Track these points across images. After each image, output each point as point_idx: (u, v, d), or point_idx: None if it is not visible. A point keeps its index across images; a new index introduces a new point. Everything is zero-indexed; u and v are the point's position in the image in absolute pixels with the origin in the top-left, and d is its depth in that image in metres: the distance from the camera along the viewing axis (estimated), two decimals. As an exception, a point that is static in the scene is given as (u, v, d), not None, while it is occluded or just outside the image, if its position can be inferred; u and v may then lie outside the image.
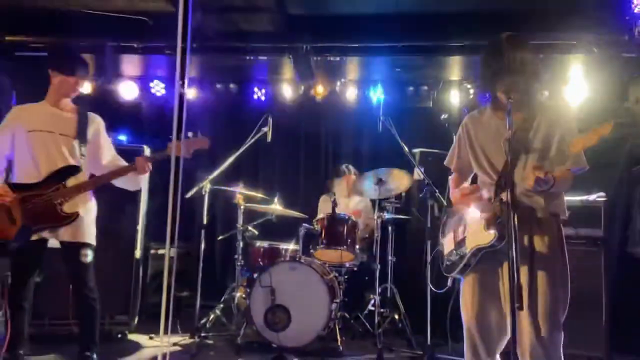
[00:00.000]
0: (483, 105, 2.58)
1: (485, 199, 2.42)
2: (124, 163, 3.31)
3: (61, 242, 3.12)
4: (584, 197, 4.14)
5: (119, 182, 3.27)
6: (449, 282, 2.71)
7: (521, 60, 2.19)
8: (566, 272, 2.32)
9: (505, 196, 2.10)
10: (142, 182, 3.11)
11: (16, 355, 3.06)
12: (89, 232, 3.18)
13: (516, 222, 2.03)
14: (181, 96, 1.46)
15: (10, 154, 3.17)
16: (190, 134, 3.28)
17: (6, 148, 3.15)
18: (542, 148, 2.28)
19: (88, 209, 3.20)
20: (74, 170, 3.13)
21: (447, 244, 2.64)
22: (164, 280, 1.52)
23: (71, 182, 3.11)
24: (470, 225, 2.46)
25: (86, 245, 3.14)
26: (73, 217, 3.06)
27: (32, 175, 3.08)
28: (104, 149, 3.33)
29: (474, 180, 2.67)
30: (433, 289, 2.89)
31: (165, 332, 1.48)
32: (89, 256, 3.13)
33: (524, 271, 2.22)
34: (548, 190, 2.20)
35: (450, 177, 2.76)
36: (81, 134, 3.19)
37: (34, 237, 3.04)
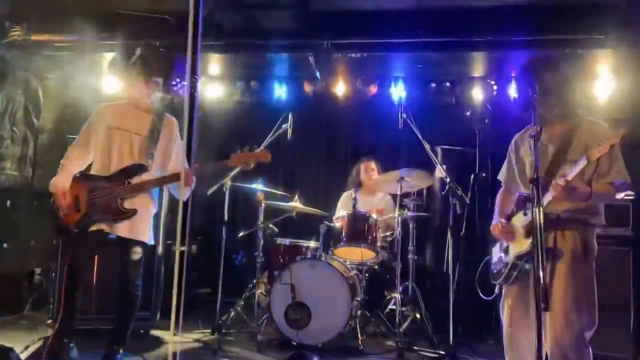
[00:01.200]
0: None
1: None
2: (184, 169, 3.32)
3: (117, 237, 3.22)
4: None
5: (173, 190, 3.45)
6: (497, 290, 2.81)
7: (557, 81, 2.35)
8: (589, 275, 2.41)
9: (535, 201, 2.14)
10: (187, 193, 3.08)
11: (63, 344, 3.13)
12: (144, 231, 3.28)
13: (542, 224, 2.06)
14: (192, 95, 1.47)
15: (94, 149, 3.31)
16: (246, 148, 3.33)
17: (91, 145, 3.30)
18: (593, 162, 2.34)
19: (147, 208, 3.31)
20: (140, 168, 3.25)
21: (496, 252, 2.80)
22: (175, 275, 1.51)
23: (136, 179, 3.23)
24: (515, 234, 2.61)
25: (139, 242, 3.25)
26: (130, 214, 3.18)
27: (103, 169, 3.25)
28: (173, 152, 3.41)
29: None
30: (482, 296, 2.93)
31: (176, 328, 1.48)
32: (139, 254, 3.24)
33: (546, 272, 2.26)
34: (586, 202, 2.34)
35: (499, 191, 2.93)
36: (153, 134, 3.31)
37: (93, 228, 3.16)
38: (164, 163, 3.36)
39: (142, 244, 3.26)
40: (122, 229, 3.19)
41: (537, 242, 2.00)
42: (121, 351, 3.25)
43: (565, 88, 2.45)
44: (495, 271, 2.76)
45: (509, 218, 2.70)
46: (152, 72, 3.32)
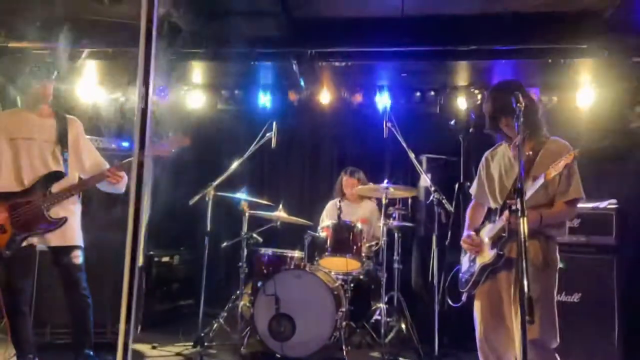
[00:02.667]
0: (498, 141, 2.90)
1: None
2: (106, 165, 3.34)
3: (51, 247, 3.14)
4: (595, 205, 4.06)
5: (103, 187, 3.30)
6: (464, 297, 2.92)
7: (525, 102, 2.36)
8: (548, 285, 2.54)
9: (515, 207, 2.18)
10: (122, 187, 3.19)
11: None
12: (77, 235, 3.23)
13: (526, 235, 2.07)
14: (145, 101, 1.42)
15: None
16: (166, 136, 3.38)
17: None
18: (547, 180, 2.46)
19: (74, 212, 3.24)
20: (58, 176, 3.17)
21: (465, 261, 2.94)
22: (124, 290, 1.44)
23: (55, 187, 3.15)
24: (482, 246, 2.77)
25: (76, 247, 3.19)
26: (61, 223, 3.12)
27: (15, 183, 3.11)
28: (85, 152, 3.35)
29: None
30: (450, 302, 3.02)
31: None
32: (80, 257, 3.19)
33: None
34: (538, 226, 2.50)
35: (471, 203, 3.07)
36: (62, 139, 3.22)
37: (24, 244, 3.07)
38: (80, 165, 3.30)
39: (80, 248, 3.20)
40: (55, 239, 3.12)
41: (522, 252, 1.98)
42: (92, 353, 3.17)
43: (531, 111, 2.55)
44: (463, 280, 2.88)
45: (477, 231, 2.86)
46: (49, 76, 3.19)
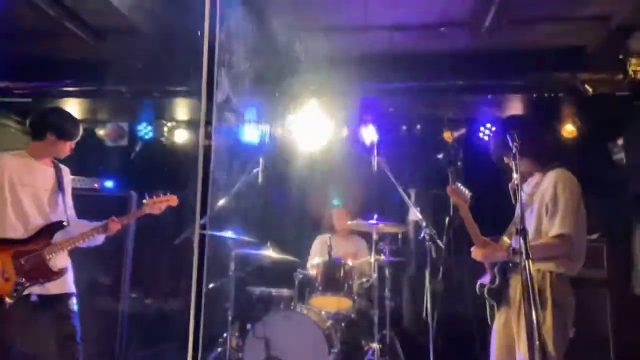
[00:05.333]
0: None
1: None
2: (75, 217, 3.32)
3: (46, 295, 3.06)
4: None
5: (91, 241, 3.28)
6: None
7: (526, 139, 2.39)
8: (549, 329, 2.41)
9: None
10: (101, 240, 3.26)
11: None
12: (71, 281, 3.22)
13: (530, 272, 2.05)
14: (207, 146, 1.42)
15: None
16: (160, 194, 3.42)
17: None
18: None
19: (68, 260, 3.23)
20: (60, 225, 3.15)
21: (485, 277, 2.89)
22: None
23: (58, 237, 3.13)
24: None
25: (73, 294, 3.19)
26: (63, 273, 3.12)
27: (18, 231, 3.06)
28: (70, 204, 3.35)
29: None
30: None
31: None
32: (75, 305, 3.18)
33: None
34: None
35: None
36: (60, 188, 3.22)
37: (25, 292, 3.01)
38: (71, 215, 3.30)
39: (75, 295, 3.18)
40: (53, 287, 3.08)
41: (527, 291, 1.94)
42: None
43: (535, 145, 2.57)
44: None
45: None
46: (70, 136, 3.21)
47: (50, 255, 3.06)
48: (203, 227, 4.15)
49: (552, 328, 2.42)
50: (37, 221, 3.09)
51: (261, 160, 4.48)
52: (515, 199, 2.59)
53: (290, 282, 4.48)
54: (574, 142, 5.05)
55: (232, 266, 4.43)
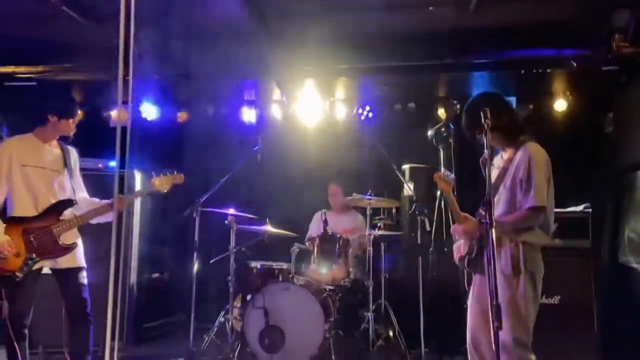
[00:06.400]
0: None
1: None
2: (86, 196, 3.48)
3: (57, 269, 3.25)
4: (572, 209, 4.20)
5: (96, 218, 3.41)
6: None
7: (497, 114, 2.49)
8: (517, 289, 2.57)
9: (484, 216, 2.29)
10: (111, 217, 3.33)
11: None
12: (82, 256, 3.37)
13: (494, 242, 2.17)
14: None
15: (7, 188, 3.23)
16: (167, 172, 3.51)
17: (4, 185, 3.22)
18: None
19: (79, 236, 3.38)
20: (69, 204, 3.31)
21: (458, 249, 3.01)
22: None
23: (67, 215, 3.29)
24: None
25: (83, 268, 3.35)
26: (73, 248, 3.27)
27: (28, 209, 3.22)
28: (80, 183, 3.52)
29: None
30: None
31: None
32: (85, 278, 3.33)
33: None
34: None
35: None
36: (68, 168, 3.37)
37: (36, 267, 3.17)
38: (78, 194, 3.44)
39: (85, 269, 3.35)
40: (64, 261, 3.25)
41: (491, 261, 2.09)
42: None
43: (506, 120, 2.70)
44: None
45: None
46: (70, 115, 3.33)
47: (60, 232, 3.21)
48: (204, 204, 4.33)
49: (524, 293, 2.59)
50: (46, 200, 3.24)
51: (259, 140, 4.61)
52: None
53: (288, 256, 4.67)
54: (565, 117, 5.15)
55: (232, 241, 4.63)
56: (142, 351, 4.49)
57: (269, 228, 4.69)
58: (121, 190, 3.29)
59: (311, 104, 5.56)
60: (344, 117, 5.69)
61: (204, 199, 4.50)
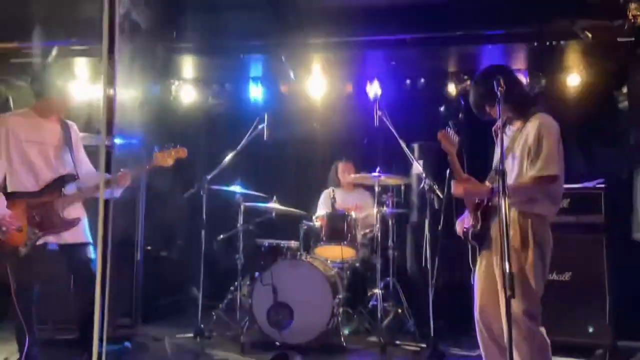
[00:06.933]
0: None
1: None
2: (92, 170, 3.46)
3: (63, 245, 3.24)
4: (584, 185, 4.12)
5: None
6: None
7: (509, 85, 2.47)
8: (529, 262, 2.54)
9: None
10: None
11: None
12: (87, 231, 3.35)
13: (507, 212, 2.13)
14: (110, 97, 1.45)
15: (6, 165, 3.20)
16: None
17: (3, 161, 3.19)
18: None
19: (82, 211, 3.36)
20: (70, 178, 3.30)
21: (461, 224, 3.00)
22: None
23: (69, 190, 3.27)
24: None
25: (89, 243, 3.33)
26: (76, 222, 3.25)
27: (29, 184, 3.20)
28: (84, 158, 3.49)
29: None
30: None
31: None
32: (92, 253, 3.31)
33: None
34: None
35: None
36: (68, 144, 3.34)
37: (40, 242, 3.16)
38: (79, 169, 3.41)
39: (91, 244, 3.32)
40: (69, 236, 3.24)
41: (503, 231, 2.04)
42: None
43: (517, 92, 2.65)
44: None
45: None
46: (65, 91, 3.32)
47: (62, 206, 3.19)
48: (211, 181, 4.30)
49: (533, 266, 2.55)
50: (47, 175, 3.22)
51: (266, 117, 4.56)
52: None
53: (296, 234, 4.65)
54: (578, 91, 5.03)
55: (240, 219, 4.61)
56: (151, 329, 4.51)
57: (276, 206, 4.66)
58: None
59: (318, 79, 5.47)
60: (351, 93, 5.60)
61: (211, 176, 4.48)
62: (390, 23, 4.49)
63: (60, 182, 3.25)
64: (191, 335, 4.39)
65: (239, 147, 4.56)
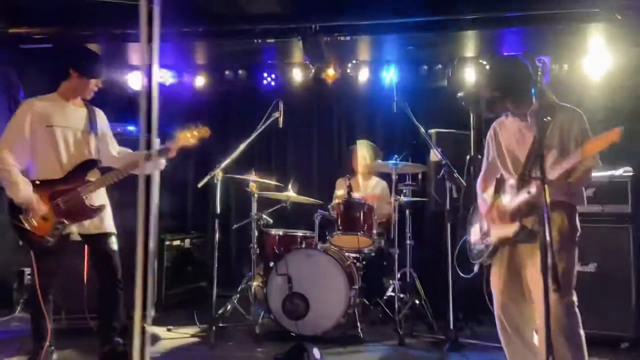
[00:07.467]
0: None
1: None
2: (131, 152, 3.45)
3: (86, 235, 3.20)
4: (610, 173, 3.98)
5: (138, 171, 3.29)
6: (476, 268, 2.97)
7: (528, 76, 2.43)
8: (573, 254, 2.52)
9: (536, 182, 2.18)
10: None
11: (46, 350, 3.13)
12: (111, 221, 3.31)
13: (549, 205, 2.02)
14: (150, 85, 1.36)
15: (30, 150, 3.15)
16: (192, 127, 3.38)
17: (27, 146, 3.13)
18: (561, 145, 2.51)
19: (107, 200, 3.31)
20: (93, 164, 3.24)
21: (474, 233, 2.93)
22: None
23: (91, 175, 3.20)
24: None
25: (113, 234, 3.29)
26: (101, 210, 3.20)
27: (54, 171, 3.14)
28: (112, 141, 3.45)
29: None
30: (461, 274, 3.01)
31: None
32: (115, 244, 3.27)
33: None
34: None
35: (479, 177, 3.03)
36: (93, 128, 3.28)
37: (66, 232, 3.11)
38: (108, 154, 3.39)
39: (115, 234, 3.28)
40: (93, 227, 3.20)
41: (545, 221, 1.93)
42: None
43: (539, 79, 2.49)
44: (475, 251, 2.88)
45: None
46: (93, 74, 3.24)
47: (86, 193, 3.12)
48: (225, 171, 4.22)
49: (574, 258, 2.53)
50: (72, 160, 3.16)
51: (280, 104, 4.45)
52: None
53: (311, 223, 4.56)
54: (603, 76, 4.87)
55: (254, 208, 4.53)
56: (165, 318, 4.47)
57: (291, 194, 4.57)
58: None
59: (333, 66, 5.36)
60: (367, 79, 5.48)
61: (224, 164, 4.39)
62: (406, 6, 4.35)
63: (84, 167, 3.18)
64: (206, 325, 4.34)
65: (253, 135, 4.46)
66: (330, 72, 5.40)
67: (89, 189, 3.13)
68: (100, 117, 3.39)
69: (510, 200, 2.60)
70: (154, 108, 1.42)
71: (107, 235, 3.25)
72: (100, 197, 3.23)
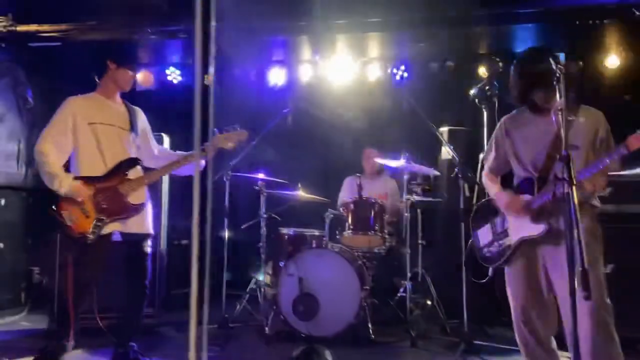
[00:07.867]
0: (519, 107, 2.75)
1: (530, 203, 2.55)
2: (172, 152, 3.47)
3: (126, 234, 3.16)
4: (626, 172, 3.90)
5: (180, 172, 3.28)
6: (490, 272, 2.87)
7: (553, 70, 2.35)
8: (599, 253, 2.51)
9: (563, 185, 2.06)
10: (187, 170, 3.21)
11: (63, 346, 3.08)
12: (151, 222, 3.28)
13: (577, 208, 1.96)
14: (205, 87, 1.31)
15: (72, 148, 3.13)
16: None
17: (70, 142, 3.12)
18: (586, 144, 2.48)
19: (147, 199, 3.26)
20: (135, 162, 3.20)
21: (484, 235, 2.85)
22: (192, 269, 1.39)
23: (132, 174, 3.17)
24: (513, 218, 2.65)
25: (149, 235, 3.25)
26: (142, 208, 3.16)
27: (97, 168, 3.12)
28: (152, 140, 3.45)
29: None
30: (474, 280, 2.95)
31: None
32: (149, 247, 3.24)
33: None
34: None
35: (484, 173, 2.98)
36: (134, 127, 3.26)
37: (107, 230, 3.07)
38: (149, 153, 3.37)
39: (151, 237, 3.26)
40: (133, 226, 3.15)
41: (573, 223, 1.86)
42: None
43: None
44: (488, 255, 2.80)
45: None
46: (132, 64, 3.27)
47: (128, 191, 3.09)
48: (234, 169, 4.17)
49: (600, 258, 2.51)
50: (115, 158, 3.13)
51: (290, 102, 4.41)
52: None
53: (321, 223, 4.50)
54: (618, 74, 4.78)
55: (263, 207, 4.48)
56: (174, 317, 4.43)
57: (300, 193, 4.52)
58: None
59: (343, 63, 5.29)
60: (377, 77, 5.41)
61: (233, 163, 4.34)
62: (417, 2, 4.28)
63: (124, 166, 3.14)
64: (215, 325, 4.29)
65: (262, 132, 4.41)
66: (341, 69, 5.33)
67: (130, 187, 3.10)
68: (140, 115, 3.37)
69: (531, 199, 2.53)
70: (207, 108, 1.39)
71: (145, 236, 3.22)
72: (140, 195, 3.19)
